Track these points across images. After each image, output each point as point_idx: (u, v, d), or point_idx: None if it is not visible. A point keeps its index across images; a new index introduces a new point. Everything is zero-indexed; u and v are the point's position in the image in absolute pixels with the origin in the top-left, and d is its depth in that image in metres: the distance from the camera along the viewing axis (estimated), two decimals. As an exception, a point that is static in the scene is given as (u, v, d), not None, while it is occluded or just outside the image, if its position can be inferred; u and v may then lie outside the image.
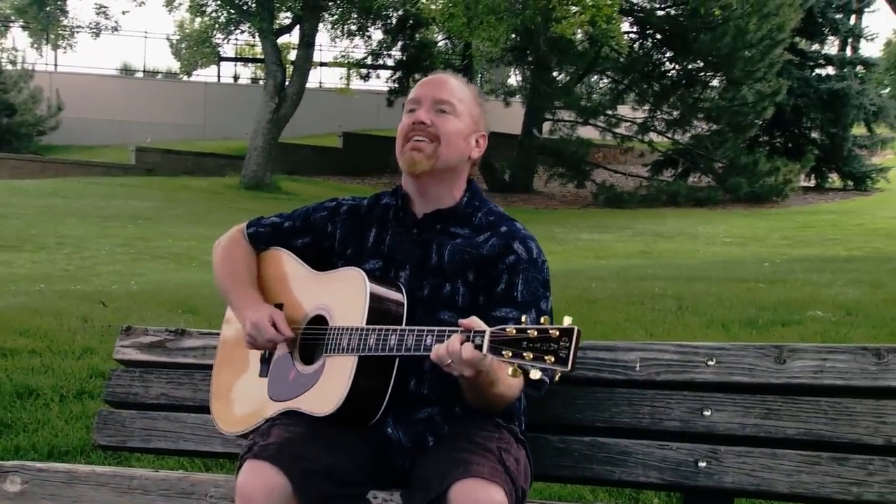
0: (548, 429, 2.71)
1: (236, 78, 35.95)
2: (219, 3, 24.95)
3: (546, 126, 27.04)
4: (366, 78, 29.42)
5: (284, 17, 25.98)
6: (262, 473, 2.30)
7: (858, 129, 29.46)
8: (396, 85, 28.17)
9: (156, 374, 3.22)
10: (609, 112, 26.06)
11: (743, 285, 7.73)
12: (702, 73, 26.63)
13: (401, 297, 2.51)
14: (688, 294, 7.11)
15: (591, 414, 2.69)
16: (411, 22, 27.14)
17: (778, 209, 23.40)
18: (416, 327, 2.36)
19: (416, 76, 27.73)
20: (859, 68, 29.61)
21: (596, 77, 29.05)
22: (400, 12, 26.64)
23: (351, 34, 27.31)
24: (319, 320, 2.57)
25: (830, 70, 29.45)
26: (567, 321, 2.11)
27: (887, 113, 29.71)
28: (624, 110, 26.88)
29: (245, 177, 23.59)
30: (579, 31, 22.92)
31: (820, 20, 28.44)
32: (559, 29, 20.83)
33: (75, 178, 23.12)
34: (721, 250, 14.91)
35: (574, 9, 21.22)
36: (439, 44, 28.74)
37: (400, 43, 28.14)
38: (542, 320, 2.15)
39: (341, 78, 30.27)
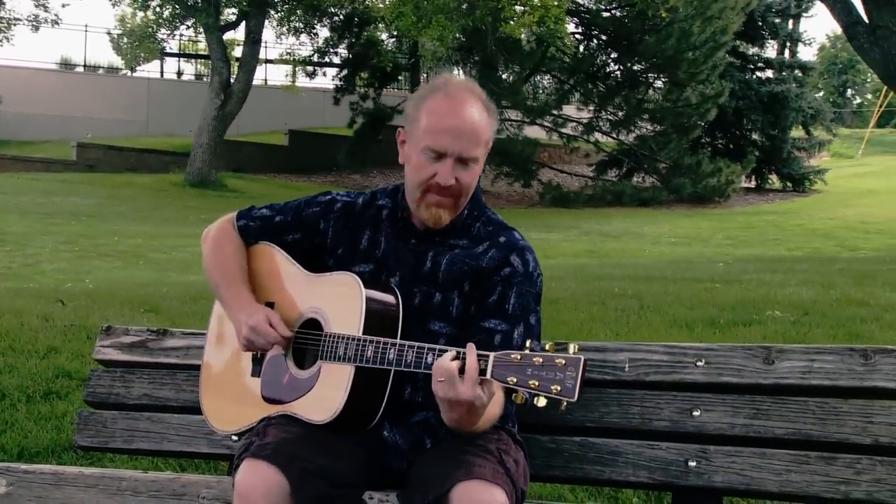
0: (538, 429, 2.72)
1: (180, 74, 35.45)
2: (163, -3, 24.62)
3: (492, 125, 27.06)
4: (312, 75, 29.23)
5: (230, 14, 25.68)
6: (260, 472, 2.29)
7: (796, 132, 30.02)
8: (343, 83, 28.06)
9: (137, 375, 3.19)
10: (555, 112, 26.13)
11: (700, 285, 7.83)
12: (646, 75, 26.87)
13: (396, 300, 2.49)
14: (647, 294, 7.19)
15: (581, 414, 2.69)
16: (357, 20, 27.03)
17: (720, 209, 23.75)
18: (416, 343, 2.32)
19: (363, 74, 27.66)
20: (797, 72, 30.18)
21: (541, 77, 29.18)
22: (347, 10, 26.51)
23: (297, 31, 27.09)
24: (313, 323, 2.54)
25: (770, 73, 29.94)
26: (572, 349, 2.11)
27: (824, 116, 30.38)
28: (569, 110, 27.02)
29: (190, 174, 23.32)
30: (526, 31, 23.00)
31: (760, 24, 28.90)
32: (508, 29, 20.88)
33: (14, 173, 22.67)
34: (667, 250, 15.08)
35: (521, 9, 21.29)
36: (386, 42, 28.66)
37: (346, 41, 28.02)
38: (546, 346, 2.14)
39: (287, 75, 30.00)
